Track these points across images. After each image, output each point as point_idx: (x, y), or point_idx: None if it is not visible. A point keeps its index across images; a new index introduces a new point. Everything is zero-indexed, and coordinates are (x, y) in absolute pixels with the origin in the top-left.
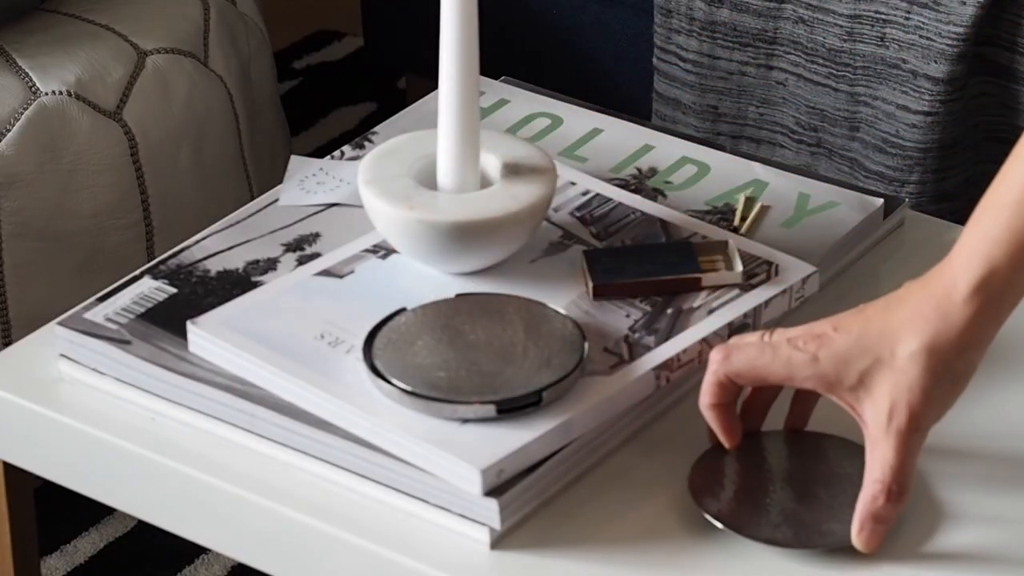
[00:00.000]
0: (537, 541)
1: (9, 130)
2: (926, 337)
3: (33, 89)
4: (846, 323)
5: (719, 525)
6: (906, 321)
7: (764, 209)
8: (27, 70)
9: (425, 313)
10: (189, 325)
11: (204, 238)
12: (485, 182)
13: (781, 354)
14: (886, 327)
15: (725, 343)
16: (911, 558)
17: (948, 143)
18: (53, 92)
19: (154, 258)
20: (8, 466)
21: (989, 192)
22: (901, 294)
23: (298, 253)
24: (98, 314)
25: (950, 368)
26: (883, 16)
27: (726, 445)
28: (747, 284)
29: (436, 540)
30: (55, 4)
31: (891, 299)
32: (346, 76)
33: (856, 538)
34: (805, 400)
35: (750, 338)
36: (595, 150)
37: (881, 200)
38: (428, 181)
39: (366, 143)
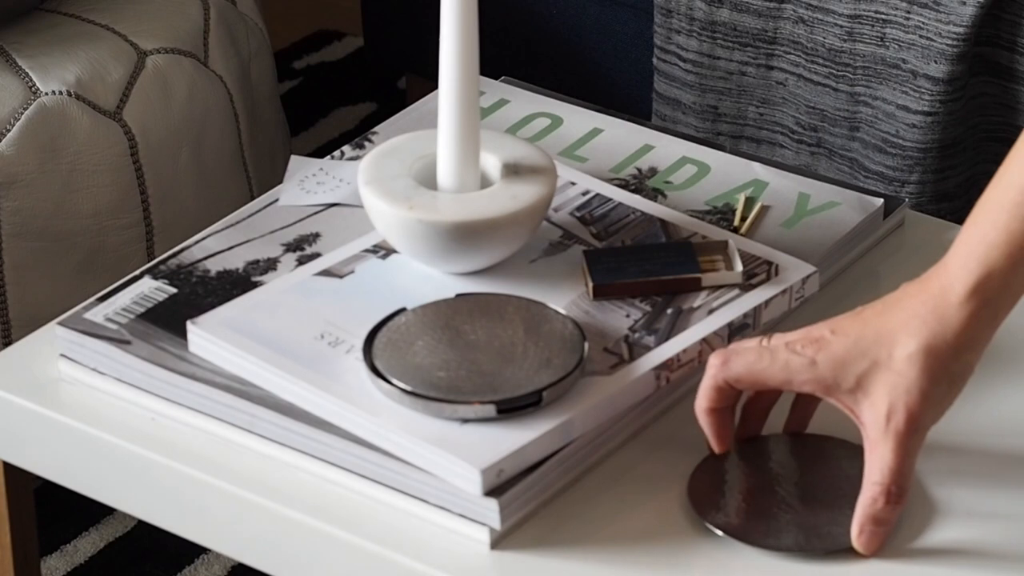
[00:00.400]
0: (537, 541)
1: (9, 130)
2: (923, 339)
3: (33, 89)
4: (843, 326)
5: (719, 533)
6: (903, 323)
7: (764, 209)
8: (27, 70)
9: (425, 313)
10: (189, 325)
11: (204, 238)
12: (485, 182)
13: (779, 358)
14: (883, 329)
15: (723, 348)
16: (910, 558)
17: (948, 143)
18: (53, 92)
19: (154, 258)
20: (8, 466)
21: (986, 194)
22: (898, 296)
23: (298, 253)
24: (98, 314)
25: (947, 369)
26: (883, 16)
27: (716, 449)
28: (747, 284)
29: (436, 540)
30: (55, 4)
31: (888, 301)
32: (346, 76)
33: (856, 541)
34: (805, 404)
35: (748, 343)
36: (595, 150)
37: (881, 200)
38: (428, 181)
39: (366, 143)
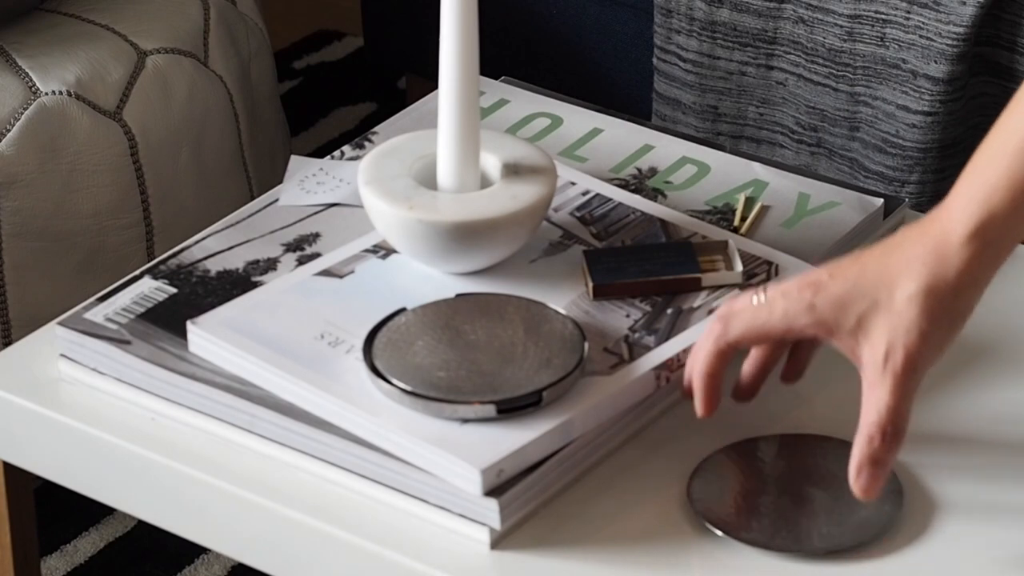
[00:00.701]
0: (537, 541)
1: (9, 130)
2: (923, 280)
3: (33, 89)
4: (842, 269)
5: (719, 533)
6: (903, 265)
7: (764, 209)
8: (27, 70)
9: (425, 313)
10: (189, 325)
11: (204, 238)
12: (485, 182)
13: (777, 308)
14: (883, 271)
15: (721, 312)
16: (910, 556)
17: (948, 143)
18: (53, 92)
19: (154, 258)
20: (8, 466)
21: (987, 140)
22: (898, 240)
23: (298, 253)
24: (98, 314)
25: (948, 310)
26: (883, 16)
27: (703, 414)
28: (747, 284)
29: (436, 540)
30: (55, 4)
31: (888, 244)
32: (346, 76)
33: (854, 484)
34: (801, 350)
35: (742, 301)
36: (595, 150)
37: (881, 200)
38: (428, 181)
39: (366, 143)
